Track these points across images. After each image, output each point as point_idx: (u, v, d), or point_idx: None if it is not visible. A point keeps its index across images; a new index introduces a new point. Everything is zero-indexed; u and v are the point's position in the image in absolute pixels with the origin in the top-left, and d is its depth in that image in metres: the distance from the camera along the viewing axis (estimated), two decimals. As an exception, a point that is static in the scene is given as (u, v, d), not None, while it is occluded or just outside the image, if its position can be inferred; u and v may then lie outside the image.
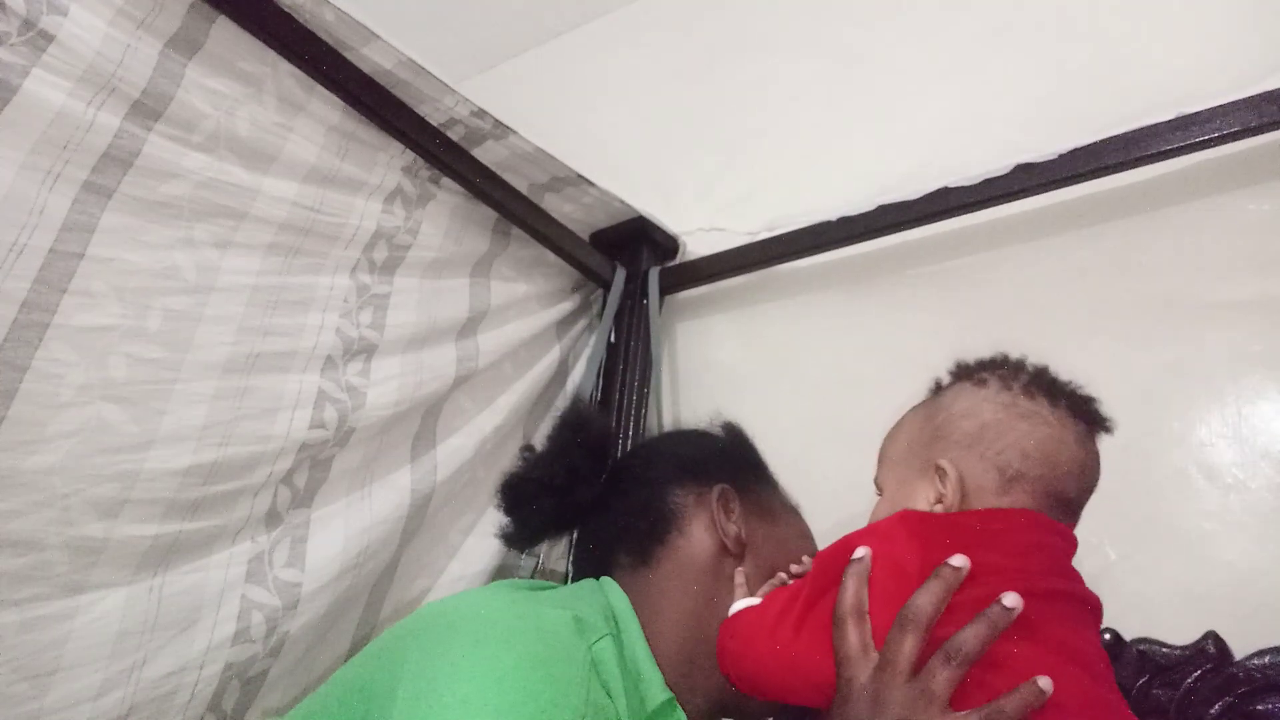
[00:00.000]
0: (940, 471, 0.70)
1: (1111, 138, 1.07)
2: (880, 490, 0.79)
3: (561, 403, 1.38)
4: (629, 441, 1.31)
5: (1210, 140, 1.02)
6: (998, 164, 1.14)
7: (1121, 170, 1.07)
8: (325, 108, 1.04)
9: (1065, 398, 0.72)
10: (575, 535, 0.94)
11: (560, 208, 1.38)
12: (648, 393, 1.36)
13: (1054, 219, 1.18)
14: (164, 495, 0.85)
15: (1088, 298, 1.13)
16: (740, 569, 0.81)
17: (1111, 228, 1.15)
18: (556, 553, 1.26)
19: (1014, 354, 0.77)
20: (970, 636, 0.57)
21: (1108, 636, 0.93)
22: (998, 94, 1.33)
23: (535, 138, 1.23)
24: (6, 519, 0.75)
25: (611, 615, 0.75)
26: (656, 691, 0.71)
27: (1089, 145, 1.08)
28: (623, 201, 1.40)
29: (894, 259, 1.31)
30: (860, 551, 0.65)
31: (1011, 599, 0.58)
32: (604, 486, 0.89)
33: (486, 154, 1.23)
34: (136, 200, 0.86)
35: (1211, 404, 1.01)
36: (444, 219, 1.20)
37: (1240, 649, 0.88)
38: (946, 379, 0.80)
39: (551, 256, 1.38)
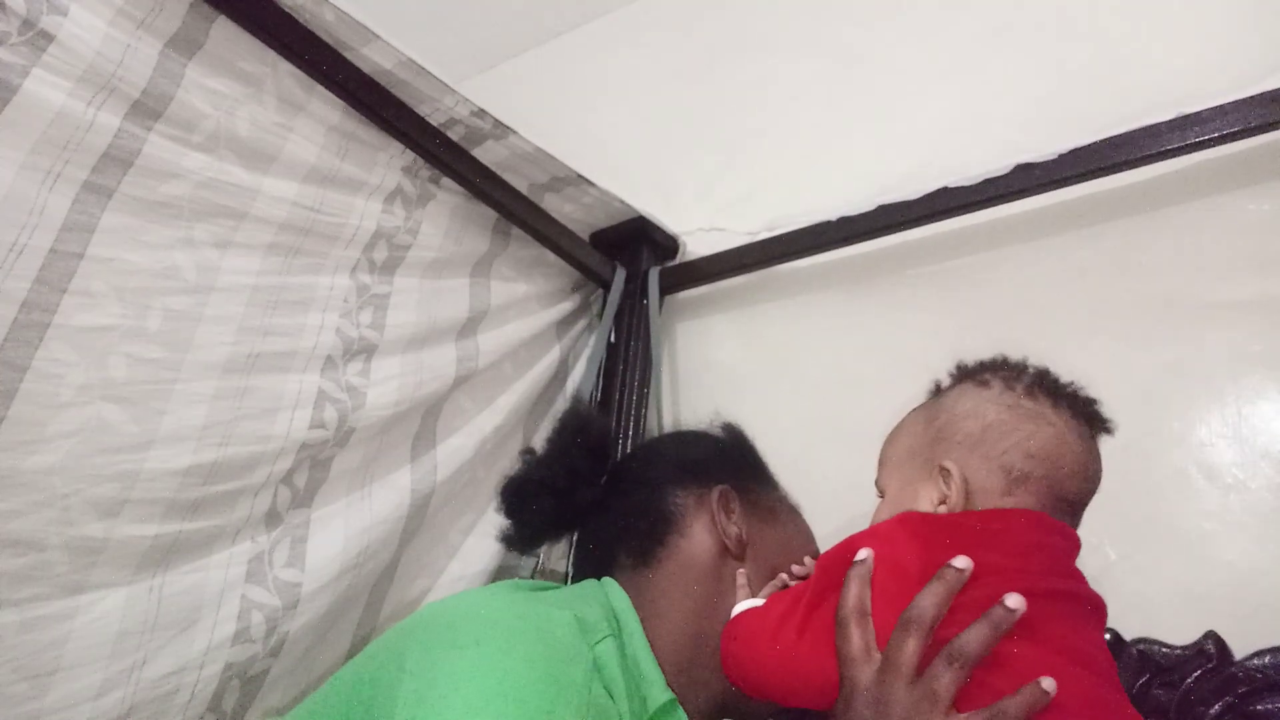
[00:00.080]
0: (944, 473, 0.70)
1: (1111, 138, 1.07)
2: (882, 493, 0.79)
3: (561, 403, 1.38)
4: (629, 442, 1.31)
5: (1210, 140, 1.02)
6: (998, 164, 1.14)
7: (1121, 170, 1.08)
8: (325, 108, 1.04)
9: (1067, 399, 0.72)
10: (576, 536, 0.94)
11: (560, 208, 1.38)
12: (648, 393, 1.36)
13: (1054, 219, 1.18)
14: (164, 495, 0.85)
15: (1088, 298, 1.13)
16: (742, 570, 0.81)
17: (1111, 228, 1.15)
18: (557, 553, 1.26)
19: (1014, 354, 0.77)
20: (973, 638, 0.57)
21: (1108, 637, 0.93)
22: (998, 94, 1.33)
23: (535, 138, 1.23)
24: (6, 519, 0.75)
25: (613, 616, 0.76)
26: (658, 692, 0.71)
27: (1089, 145, 1.08)
28: (623, 201, 1.40)
29: (894, 259, 1.31)
30: (863, 553, 0.65)
31: (1014, 600, 0.58)
32: (604, 488, 0.89)
33: (486, 154, 1.23)
34: (136, 200, 0.86)
35: (1211, 404, 1.01)
36: (444, 219, 1.20)
37: (1240, 649, 0.88)
38: (947, 380, 0.80)
39: (551, 256, 1.38)
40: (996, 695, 0.56)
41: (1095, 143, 1.08)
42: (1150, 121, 1.05)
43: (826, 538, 0.86)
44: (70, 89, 0.80)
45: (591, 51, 1.99)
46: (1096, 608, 0.67)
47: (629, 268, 1.46)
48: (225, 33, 0.94)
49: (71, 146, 0.81)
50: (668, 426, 1.35)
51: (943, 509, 0.69)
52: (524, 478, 0.90)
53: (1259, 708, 0.84)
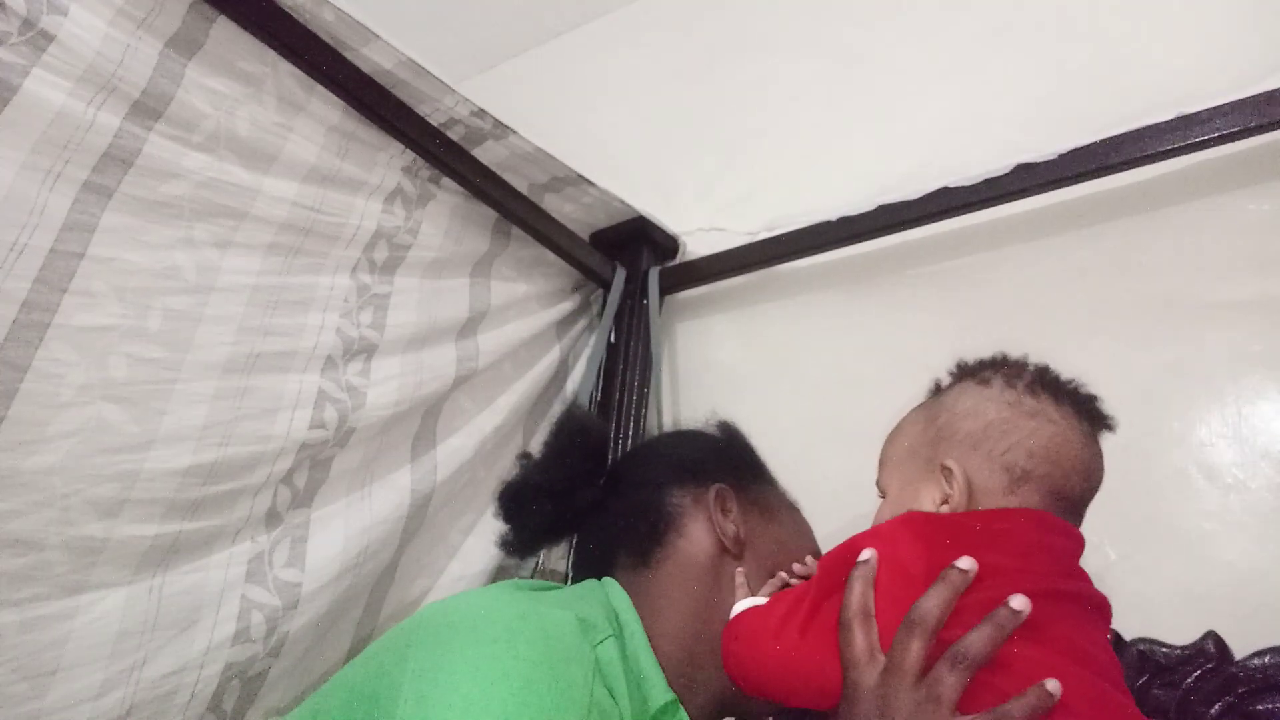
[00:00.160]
0: (946, 472, 0.70)
1: (1111, 138, 1.07)
2: (883, 493, 0.79)
3: (561, 403, 1.38)
4: (629, 442, 1.31)
5: (1210, 140, 1.02)
6: (998, 164, 1.14)
7: (1121, 170, 1.07)
8: (325, 108, 1.04)
9: (1068, 396, 0.72)
10: (575, 538, 0.94)
11: (560, 208, 1.38)
12: (648, 393, 1.36)
13: (1054, 219, 1.18)
14: (164, 495, 0.85)
15: (1088, 298, 1.13)
16: (740, 569, 0.81)
17: (1111, 228, 1.15)
18: (557, 553, 1.26)
19: (1014, 354, 0.77)
20: (977, 640, 0.57)
21: (1108, 637, 0.92)
22: (998, 94, 1.33)
23: (535, 138, 1.23)
24: (6, 519, 0.75)
25: (614, 616, 0.75)
26: (659, 692, 0.71)
27: (1089, 145, 1.08)
28: (623, 201, 1.40)
29: (894, 259, 1.31)
30: (866, 554, 0.64)
31: (1019, 601, 0.57)
32: (602, 489, 0.89)
33: (486, 154, 1.23)
34: (137, 200, 0.86)
35: (1211, 404, 1.01)
36: (444, 219, 1.20)
37: (1240, 649, 0.88)
38: (947, 379, 0.80)
39: (551, 256, 1.38)
40: (1001, 697, 0.55)
41: (1095, 143, 1.08)
42: (1150, 121, 1.05)
43: (827, 538, 0.86)
44: (70, 89, 0.80)
45: (591, 51, 1.99)
46: (1100, 608, 0.66)
47: (629, 268, 1.46)
48: (225, 33, 0.94)
49: (72, 146, 0.81)
50: (668, 426, 1.35)
51: (945, 509, 0.69)
52: (521, 482, 0.90)
53: (1259, 708, 0.84)
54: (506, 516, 0.89)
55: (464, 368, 1.18)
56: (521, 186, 1.31)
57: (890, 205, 1.23)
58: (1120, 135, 1.07)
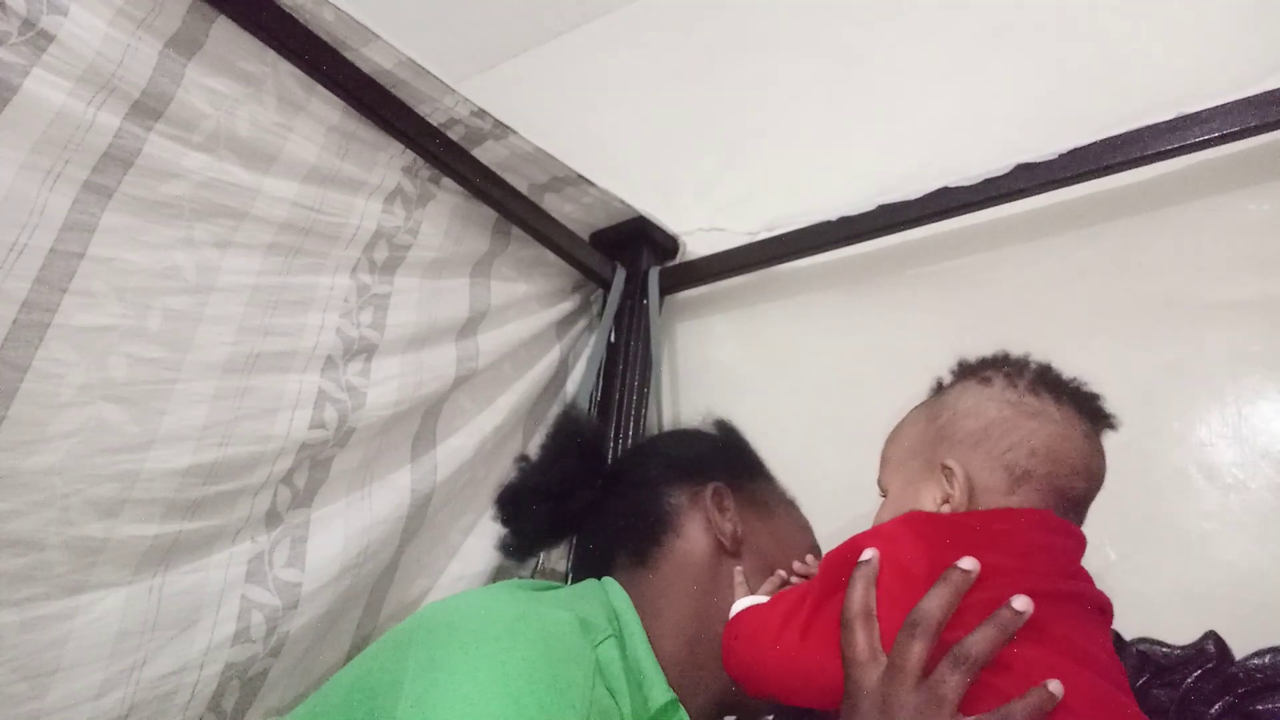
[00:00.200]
0: (947, 471, 0.70)
1: (1111, 138, 1.07)
2: (884, 492, 0.78)
3: (561, 403, 1.38)
4: (629, 442, 1.31)
5: (1210, 140, 1.02)
6: (998, 164, 1.14)
7: (1121, 170, 1.07)
8: (325, 108, 1.04)
9: (1070, 395, 0.72)
10: (574, 539, 0.94)
11: (560, 208, 1.38)
12: (648, 393, 1.36)
13: (1054, 219, 1.18)
14: (164, 495, 0.85)
15: (1088, 298, 1.13)
16: (738, 567, 0.81)
17: (1111, 228, 1.15)
18: (557, 552, 1.26)
19: (1016, 353, 0.76)
20: (979, 640, 0.57)
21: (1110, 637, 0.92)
22: (998, 94, 1.33)
23: (535, 138, 1.23)
24: (6, 519, 0.75)
25: (614, 616, 0.75)
26: (659, 692, 0.71)
27: (1089, 145, 1.08)
28: (623, 201, 1.40)
29: (894, 259, 1.31)
30: (868, 554, 0.64)
31: (1021, 602, 0.57)
32: (600, 490, 0.89)
33: (486, 154, 1.23)
34: (137, 200, 0.86)
35: (1211, 404, 1.01)
36: (444, 219, 1.20)
37: (1240, 649, 0.88)
38: (948, 378, 0.79)
39: (551, 256, 1.38)
40: (1003, 698, 0.55)
41: (1095, 143, 1.08)
42: (1150, 121, 1.05)
43: (827, 538, 0.86)
44: (70, 89, 0.80)
45: (591, 51, 1.99)
46: (1103, 608, 0.66)
47: (629, 268, 1.46)
48: (225, 33, 0.94)
49: (72, 146, 0.81)
50: (667, 426, 1.35)
51: (946, 508, 0.69)
52: (519, 485, 0.90)
53: (1259, 708, 0.84)
54: (505, 520, 0.90)
55: (464, 368, 1.18)
56: (521, 186, 1.31)
57: (890, 205, 1.23)
58: (1120, 135, 1.07)
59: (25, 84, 0.77)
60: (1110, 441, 0.73)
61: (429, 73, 1.09)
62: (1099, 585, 0.67)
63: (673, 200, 1.58)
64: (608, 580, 0.81)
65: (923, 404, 0.79)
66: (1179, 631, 0.91)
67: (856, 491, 0.87)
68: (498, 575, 1.19)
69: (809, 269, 1.39)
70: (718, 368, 1.45)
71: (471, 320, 1.23)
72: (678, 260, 1.51)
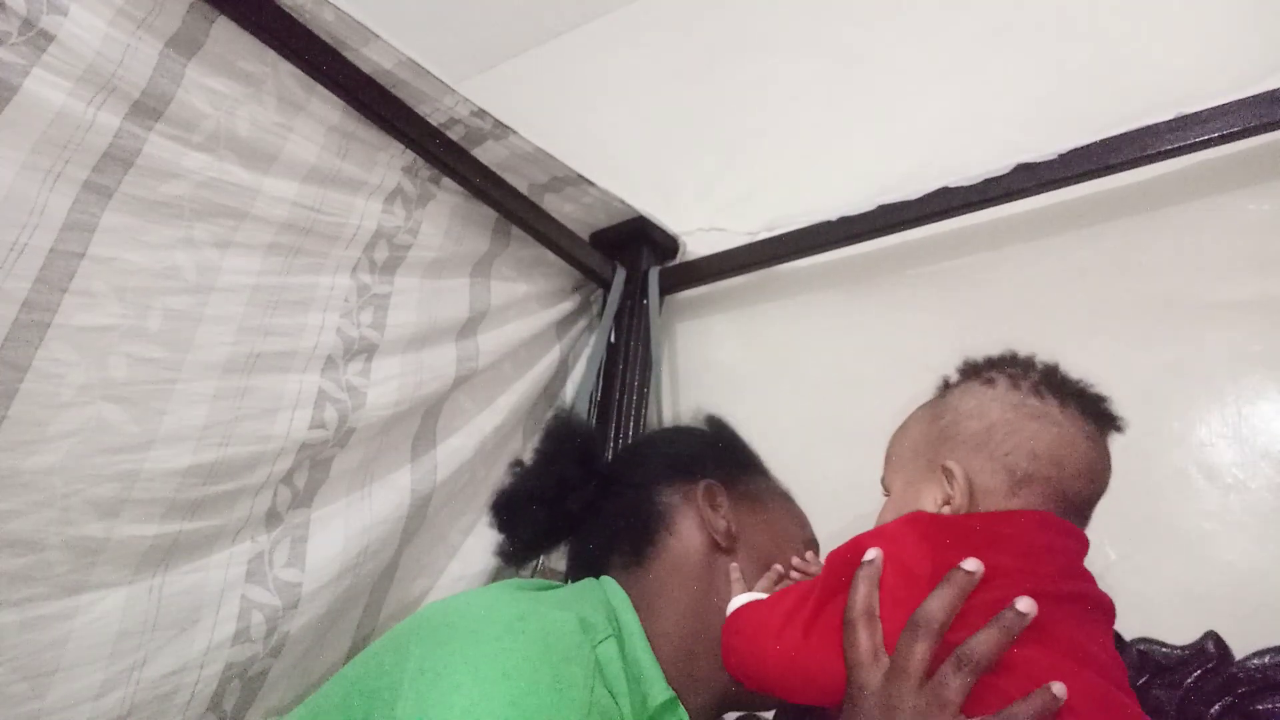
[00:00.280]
0: (947, 472, 0.69)
1: (1111, 138, 1.07)
2: (887, 491, 0.78)
3: (561, 403, 1.38)
4: (629, 442, 1.31)
5: (1210, 140, 1.02)
6: (998, 164, 1.14)
7: (1121, 170, 1.07)
8: (325, 108, 1.04)
9: (1075, 397, 0.71)
10: (571, 541, 0.94)
11: (560, 208, 1.38)
12: (648, 393, 1.36)
13: (1054, 219, 1.18)
14: (164, 495, 0.85)
15: (1088, 298, 1.13)
16: (734, 564, 0.81)
17: (1111, 228, 1.15)
18: (557, 552, 1.26)
19: (1021, 353, 0.76)
20: (983, 642, 0.56)
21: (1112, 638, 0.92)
22: (998, 94, 1.33)
23: (535, 138, 1.23)
24: (6, 519, 0.75)
25: (613, 615, 0.76)
26: (658, 690, 0.71)
27: (1089, 145, 1.08)
28: (623, 201, 1.40)
29: (894, 259, 1.31)
30: (871, 554, 0.64)
31: (1025, 604, 0.57)
32: (594, 492, 0.89)
33: (486, 154, 1.23)
34: (137, 200, 0.86)
35: (1211, 404, 1.01)
36: (444, 219, 1.20)
37: (1240, 649, 0.88)
38: (955, 378, 0.79)
39: (551, 256, 1.38)
40: (1006, 699, 0.55)
41: (1095, 143, 1.08)
42: (1150, 121, 1.05)
43: (827, 538, 0.86)
44: (70, 89, 0.80)
45: (591, 51, 1.99)
46: (1105, 609, 0.66)
47: (629, 268, 1.46)
48: (225, 33, 0.94)
49: (72, 146, 0.81)
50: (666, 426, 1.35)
51: (947, 509, 0.68)
52: (513, 490, 0.90)
53: (1259, 708, 0.84)
54: (501, 525, 0.90)
55: (464, 368, 1.18)
56: (521, 186, 1.31)
57: (890, 205, 1.23)
58: (1120, 135, 1.07)
59: (25, 84, 0.77)
60: (1111, 442, 0.73)
61: (429, 73, 1.09)
62: (1099, 585, 0.67)
63: (673, 200, 1.58)
64: (606, 579, 0.81)
65: (927, 404, 0.79)
66: (1179, 631, 0.91)
67: (857, 491, 0.87)
68: (498, 575, 1.19)
69: (809, 269, 1.39)
70: (718, 368, 1.45)
71: (471, 320, 1.23)
72: (678, 260, 1.51)
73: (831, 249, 1.32)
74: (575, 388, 1.40)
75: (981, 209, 1.17)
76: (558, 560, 1.26)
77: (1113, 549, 0.97)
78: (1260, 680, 0.85)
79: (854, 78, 1.51)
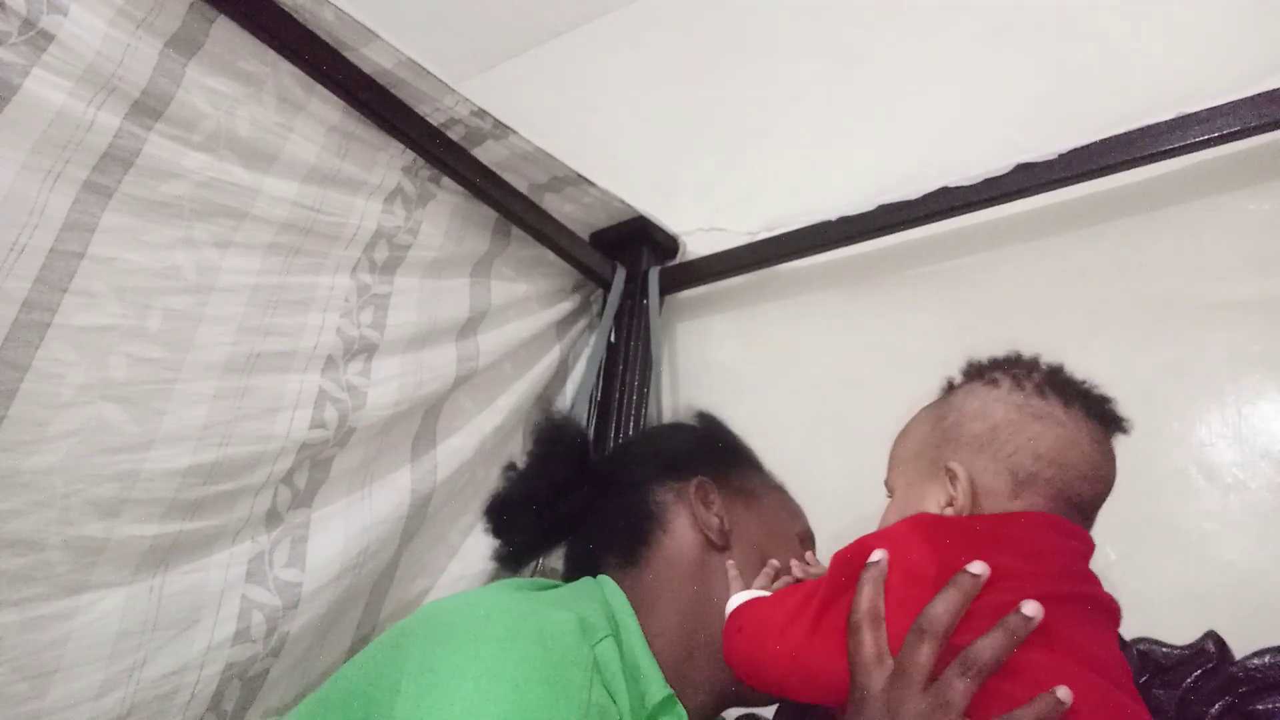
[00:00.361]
0: (950, 474, 0.69)
1: (1111, 138, 1.07)
2: (891, 492, 0.78)
3: (561, 403, 1.38)
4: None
5: (1210, 140, 1.02)
6: (998, 164, 1.14)
7: (1121, 170, 1.07)
8: (325, 108, 1.04)
9: (1079, 398, 0.71)
10: (567, 542, 0.94)
11: (560, 208, 1.38)
12: (648, 393, 1.36)
13: (1054, 219, 1.18)
14: (164, 495, 0.85)
15: (1088, 298, 1.13)
16: (730, 562, 0.81)
17: (1111, 228, 1.15)
18: (556, 551, 1.26)
19: (1026, 353, 0.76)
20: (988, 646, 0.56)
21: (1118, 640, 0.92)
22: (998, 94, 1.33)
23: (535, 138, 1.23)
24: (6, 519, 0.75)
25: (610, 615, 0.76)
26: (656, 689, 0.71)
27: (1089, 145, 1.08)
28: (623, 201, 1.40)
29: (894, 259, 1.31)
30: (877, 555, 0.63)
31: (1031, 608, 0.56)
32: (587, 494, 0.89)
33: (486, 154, 1.23)
34: (137, 200, 0.86)
35: (1211, 404, 1.01)
36: (444, 219, 1.20)
37: (1240, 649, 0.88)
38: (958, 379, 0.79)
39: (551, 256, 1.38)
40: (1011, 703, 0.54)
41: (1095, 143, 1.08)
42: (1150, 121, 1.05)
43: (828, 538, 0.86)
44: (70, 89, 0.80)
45: (591, 51, 1.99)
46: (1110, 611, 0.66)
47: (629, 268, 1.46)
48: (225, 33, 0.94)
49: (72, 146, 0.81)
50: (665, 426, 1.35)
51: (950, 510, 0.68)
52: (506, 496, 0.90)
53: (1259, 708, 0.84)
54: (496, 531, 0.90)
55: (464, 368, 1.18)
56: (521, 186, 1.31)
57: (890, 205, 1.23)
58: (1120, 135, 1.07)
59: (25, 84, 0.77)
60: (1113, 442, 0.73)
61: (429, 73, 1.09)
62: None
63: (673, 200, 1.58)
64: (603, 579, 0.81)
65: (931, 404, 0.79)
66: (1179, 631, 0.91)
67: (857, 491, 0.86)
68: (497, 575, 1.19)
69: (809, 269, 1.39)
70: (718, 368, 1.45)
71: (472, 320, 1.23)
72: (678, 260, 1.51)
73: (831, 249, 1.32)
74: (575, 388, 1.40)
75: (981, 209, 1.17)
76: (556, 559, 1.26)
77: (1113, 549, 0.97)
78: (1260, 680, 0.85)
79: (854, 78, 1.51)
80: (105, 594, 0.81)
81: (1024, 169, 1.12)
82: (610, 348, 1.41)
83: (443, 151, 1.17)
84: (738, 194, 1.55)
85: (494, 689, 0.58)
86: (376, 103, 1.08)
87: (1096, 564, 0.68)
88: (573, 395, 1.39)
